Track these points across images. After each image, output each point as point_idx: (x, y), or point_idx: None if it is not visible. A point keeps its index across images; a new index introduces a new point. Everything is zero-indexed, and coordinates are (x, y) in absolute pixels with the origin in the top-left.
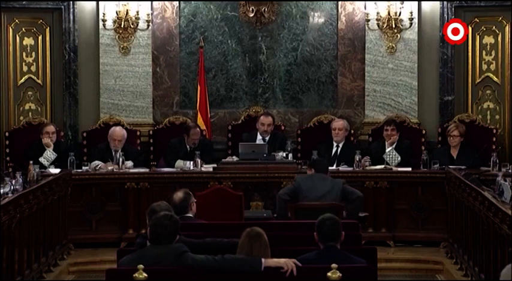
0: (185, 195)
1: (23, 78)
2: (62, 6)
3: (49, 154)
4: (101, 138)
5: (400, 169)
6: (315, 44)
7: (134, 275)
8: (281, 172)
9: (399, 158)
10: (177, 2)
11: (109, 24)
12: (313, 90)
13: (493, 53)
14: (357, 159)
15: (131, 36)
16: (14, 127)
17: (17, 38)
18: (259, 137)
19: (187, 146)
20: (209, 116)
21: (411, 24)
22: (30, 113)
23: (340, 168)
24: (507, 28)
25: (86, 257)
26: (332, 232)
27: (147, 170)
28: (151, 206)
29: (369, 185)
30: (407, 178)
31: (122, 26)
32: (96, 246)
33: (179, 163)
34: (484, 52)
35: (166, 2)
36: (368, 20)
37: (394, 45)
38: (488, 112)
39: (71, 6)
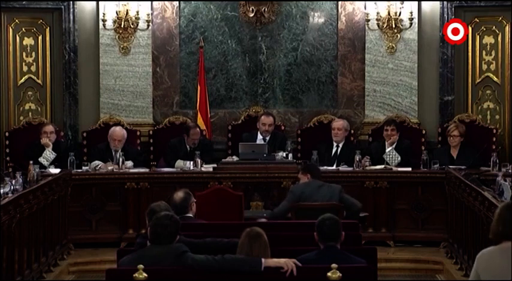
0: (185, 195)
1: (23, 78)
2: (62, 6)
3: (48, 154)
4: (101, 138)
5: (400, 169)
6: (315, 44)
7: (134, 275)
8: (281, 172)
9: (399, 158)
10: (177, 2)
11: (109, 24)
12: (313, 90)
13: (493, 53)
14: (357, 159)
15: (131, 36)
16: (14, 127)
17: (17, 38)
18: (259, 137)
19: (187, 146)
20: (209, 116)
21: (411, 24)
22: (30, 113)
23: (340, 168)
24: (507, 28)
25: (86, 257)
26: (332, 232)
27: (147, 170)
28: (151, 206)
29: (369, 185)
30: (407, 178)
31: (122, 26)
32: (96, 246)
33: (179, 163)
34: (484, 52)
35: (166, 2)
36: (368, 20)
37: (394, 45)
38: (488, 112)
39: (71, 6)
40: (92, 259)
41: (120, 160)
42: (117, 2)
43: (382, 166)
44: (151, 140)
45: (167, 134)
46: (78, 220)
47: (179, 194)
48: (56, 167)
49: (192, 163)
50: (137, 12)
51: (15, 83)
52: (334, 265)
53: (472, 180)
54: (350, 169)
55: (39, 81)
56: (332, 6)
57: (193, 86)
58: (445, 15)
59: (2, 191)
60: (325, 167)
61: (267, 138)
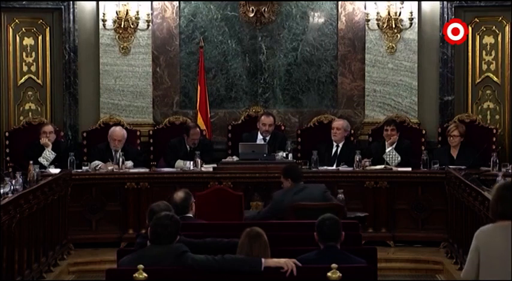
0: (186, 195)
1: (23, 78)
2: (62, 6)
3: (48, 154)
4: (101, 138)
5: (400, 169)
6: (315, 44)
7: (134, 275)
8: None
9: (399, 158)
10: (177, 2)
11: (109, 24)
12: (313, 90)
13: (493, 53)
14: (357, 159)
15: (131, 36)
16: (14, 127)
17: (17, 38)
18: (259, 136)
19: (187, 146)
20: (209, 116)
21: (411, 24)
22: (30, 113)
23: (340, 168)
24: (507, 28)
25: (86, 257)
26: (332, 232)
27: (147, 170)
28: (151, 206)
29: (369, 185)
30: (407, 178)
31: (122, 26)
32: (96, 246)
33: (179, 163)
34: (484, 52)
35: (166, 2)
36: (368, 20)
37: (394, 45)
38: (488, 112)
39: (71, 6)
40: (92, 259)
41: (120, 160)
42: (117, 2)
43: (382, 166)
44: (151, 140)
45: (167, 134)
46: (78, 220)
47: (179, 194)
48: (56, 167)
49: (192, 163)
50: (137, 12)
51: (15, 83)
52: (334, 265)
53: (472, 180)
54: (350, 169)
55: (39, 81)
56: (332, 6)
57: (193, 86)
58: (445, 15)
59: (2, 191)
60: (325, 167)
61: (267, 138)
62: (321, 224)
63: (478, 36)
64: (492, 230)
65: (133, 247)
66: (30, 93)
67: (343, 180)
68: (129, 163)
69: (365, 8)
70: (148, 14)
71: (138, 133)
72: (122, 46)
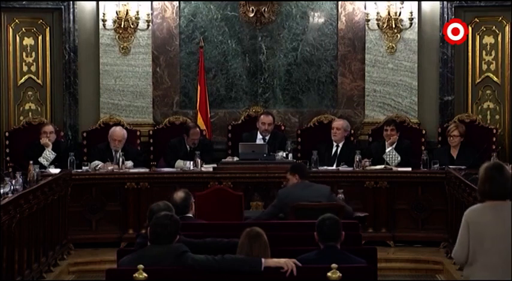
0: (186, 195)
1: (23, 78)
2: (62, 6)
3: (48, 154)
4: (101, 138)
5: (400, 169)
6: (315, 44)
7: (134, 275)
8: (281, 172)
9: (399, 158)
10: (177, 2)
11: (109, 24)
12: (313, 90)
13: (493, 53)
14: (357, 159)
15: (131, 36)
16: (14, 127)
17: (17, 38)
18: (259, 136)
19: (187, 146)
20: (209, 116)
21: (411, 24)
22: (30, 113)
23: (340, 168)
24: (507, 28)
25: (86, 257)
26: (332, 231)
27: (147, 170)
28: (150, 206)
29: (369, 185)
30: (407, 178)
31: (122, 26)
32: (96, 246)
33: (179, 163)
34: (484, 52)
35: (166, 2)
36: (368, 20)
37: (394, 45)
38: (488, 112)
39: (71, 6)
40: (92, 259)
41: (120, 160)
42: (117, 2)
43: (382, 166)
44: (151, 140)
45: (167, 134)
46: (78, 220)
47: (179, 194)
48: (56, 167)
49: (192, 163)
50: (137, 12)
51: (15, 83)
52: (334, 265)
53: (472, 180)
54: (350, 169)
55: (39, 81)
56: (332, 6)
57: (193, 86)
58: (445, 15)
59: (2, 191)
60: (325, 167)
61: (267, 137)
62: (321, 224)
63: (478, 36)
64: (481, 209)
65: (133, 247)
66: (30, 93)
67: (343, 180)
68: (129, 163)
69: (365, 8)
70: (148, 14)
71: (138, 133)
72: (122, 46)
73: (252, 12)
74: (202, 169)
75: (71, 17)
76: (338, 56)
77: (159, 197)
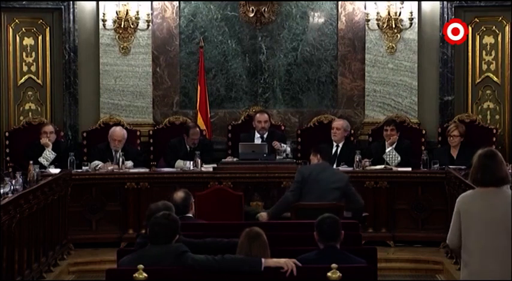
0: (186, 195)
1: (23, 78)
2: (62, 6)
3: (48, 154)
4: (101, 138)
5: (400, 169)
6: (315, 44)
7: (134, 275)
8: (281, 172)
9: (399, 158)
10: (177, 2)
11: (109, 24)
12: (313, 90)
13: (493, 53)
14: (357, 159)
15: (131, 36)
16: (14, 127)
17: (17, 38)
18: (257, 135)
19: (187, 146)
20: (209, 116)
21: (411, 24)
22: (30, 113)
23: (340, 168)
24: (507, 28)
25: (86, 257)
26: (332, 231)
27: (147, 170)
28: (150, 206)
29: (369, 185)
30: (407, 178)
31: (122, 26)
32: (96, 246)
33: (179, 163)
34: (484, 52)
35: (166, 2)
36: (368, 20)
37: (394, 45)
38: (488, 112)
39: (71, 6)
40: (92, 259)
41: (120, 160)
42: (117, 2)
43: (382, 166)
44: (151, 140)
45: (167, 134)
46: (78, 220)
47: (179, 194)
48: (56, 167)
49: (192, 163)
50: (137, 12)
51: (15, 83)
52: (334, 265)
53: None
54: (350, 169)
55: (39, 81)
56: (332, 6)
57: (193, 86)
58: (445, 15)
59: (2, 191)
60: None
61: (265, 136)
62: (320, 224)
63: (478, 36)
64: (473, 195)
65: (133, 247)
66: (30, 93)
67: None
68: (129, 163)
69: (365, 8)
70: (148, 14)
71: (138, 133)
72: (122, 46)
73: (252, 12)
74: (202, 169)
75: (71, 17)
76: (338, 56)
77: (159, 197)
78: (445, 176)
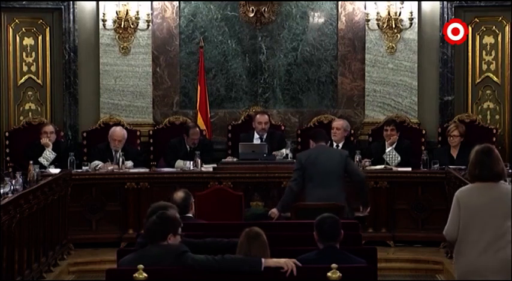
0: (186, 195)
1: (23, 78)
2: (62, 6)
3: (48, 154)
4: (101, 138)
5: (400, 169)
6: (315, 44)
7: (134, 275)
8: (281, 172)
9: (399, 158)
10: (177, 2)
11: (109, 24)
12: (313, 90)
13: (493, 53)
14: (357, 159)
15: (131, 36)
16: (14, 127)
17: (17, 38)
18: (256, 136)
19: (187, 146)
20: (209, 116)
21: (411, 24)
22: (30, 113)
23: None
24: (507, 28)
25: (86, 257)
26: (333, 231)
27: (147, 170)
28: (150, 206)
29: (369, 185)
30: (407, 178)
31: (122, 26)
32: (96, 246)
33: (179, 163)
34: (484, 52)
35: (166, 2)
36: (368, 20)
37: (394, 45)
38: (488, 112)
39: (71, 6)
40: (92, 259)
41: (120, 160)
42: (117, 2)
43: (382, 166)
44: (151, 140)
45: (167, 134)
46: (78, 220)
47: (179, 194)
48: (56, 167)
49: (192, 163)
50: (137, 12)
51: (15, 83)
52: (334, 265)
53: None
54: None
55: (39, 81)
56: (332, 6)
57: (193, 86)
58: (445, 15)
59: (2, 191)
60: None
61: (264, 137)
62: (321, 224)
63: (478, 36)
64: (470, 189)
65: (133, 247)
66: (30, 93)
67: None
68: (129, 163)
69: (365, 8)
70: (148, 14)
71: (138, 133)
72: (122, 46)
73: (252, 12)
74: (202, 169)
75: (71, 17)
76: (338, 56)
77: (159, 197)
78: (445, 176)
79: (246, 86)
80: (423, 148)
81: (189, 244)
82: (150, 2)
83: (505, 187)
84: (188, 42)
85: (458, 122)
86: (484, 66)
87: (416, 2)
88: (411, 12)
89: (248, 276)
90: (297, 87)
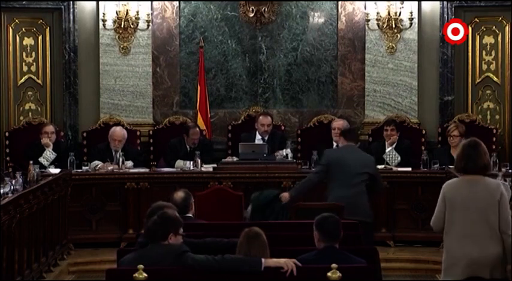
0: (186, 195)
1: (23, 78)
2: (62, 6)
3: (48, 154)
4: (101, 138)
5: (400, 169)
6: (315, 44)
7: (134, 275)
8: (281, 172)
9: (399, 158)
10: (177, 2)
11: (109, 24)
12: (313, 90)
13: (493, 53)
14: None
15: (131, 36)
16: (14, 127)
17: (17, 38)
18: (258, 137)
19: (187, 146)
20: (209, 116)
21: (411, 24)
22: (30, 113)
23: None
24: (507, 28)
25: (86, 257)
26: (336, 230)
27: (147, 170)
28: (151, 206)
29: None
30: (407, 178)
31: (122, 26)
32: (96, 246)
33: (179, 163)
34: (484, 52)
35: (166, 2)
36: (368, 20)
37: (394, 45)
38: (488, 112)
39: (71, 6)
40: (92, 259)
41: (120, 160)
42: (117, 2)
43: (382, 166)
44: (151, 140)
45: (167, 134)
46: (78, 220)
47: (179, 194)
48: (56, 167)
49: (192, 163)
50: (137, 12)
51: (15, 83)
52: (334, 265)
53: None
54: None
55: (39, 81)
56: (332, 6)
57: (193, 86)
58: (445, 15)
59: (2, 191)
60: None
61: (266, 138)
62: (322, 223)
63: (478, 36)
64: (456, 182)
65: (133, 247)
66: (30, 93)
67: None
68: (129, 163)
69: (365, 8)
70: (148, 14)
71: (138, 133)
72: (122, 46)
73: (252, 12)
74: (202, 169)
75: (71, 17)
76: (338, 56)
77: (159, 197)
78: (445, 176)
79: (246, 86)
80: (423, 148)
81: (189, 244)
82: (150, 2)
83: (490, 180)
84: (188, 42)
85: (458, 122)
86: (484, 66)
87: (416, 2)
88: (411, 12)
89: (248, 276)
90: (297, 87)
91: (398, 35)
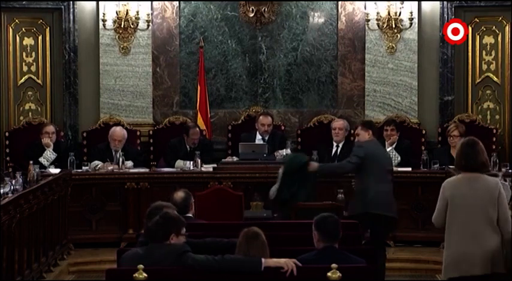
0: (186, 195)
1: (23, 78)
2: (62, 6)
3: (49, 154)
4: (101, 138)
5: (400, 169)
6: (315, 44)
7: (134, 275)
8: None
9: (399, 158)
10: (177, 2)
11: (109, 24)
12: (313, 90)
13: (493, 53)
14: None
15: (131, 36)
16: (14, 127)
17: (17, 38)
18: (258, 137)
19: (187, 146)
20: (209, 116)
21: (411, 24)
22: (30, 113)
23: None
24: (507, 28)
25: (86, 257)
26: (336, 230)
27: (147, 170)
28: (150, 206)
29: None
30: (407, 178)
31: (122, 26)
32: (96, 246)
33: (179, 163)
34: (484, 52)
35: (166, 2)
36: (368, 20)
37: (394, 45)
38: (488, 112)
39: (71, 6)
40: (92, 259)
41: (120, 160)
42: (117, 2)
43: None
44: (151, 140)
45: (167, 134)
46: (78, 220)
47: (179, 194)
48: (56, 167)
49: (192, 163)
50: (137, 12)
51: (15, 83)
52: (334, 265)
53: None
54: None
55: (39, 81)
56: (332, 6)
57: (193, 86)
58: (445, 15)
59: (2, 191)
60: None
61: (266, 138)
62: (322, 223)
63: (478, 36)
64: (457, 180)
65: (133, 247)
66: (30, 93)
67: (343, 180)
68: (129, 163)
69: (365, 8)
70: (148, 14)
71: (138, 133)
72: (122, 46)
73: (252, 12)
74: (202, 169)
75: (71, 17)
76: (338, 56)
77: (159, 197)
78: (445, 176)
79: (246, 86)
80: (423, 148)
81: (189, 244)
82: (150, 2)
83: (489, 178)
84: (188, 42)
85: (458, 122)
86: (484, 66)
87: (416, 2)
88: (411, 12)
89: (248, 276)
90: (297, 87)
91: (398, 35)
